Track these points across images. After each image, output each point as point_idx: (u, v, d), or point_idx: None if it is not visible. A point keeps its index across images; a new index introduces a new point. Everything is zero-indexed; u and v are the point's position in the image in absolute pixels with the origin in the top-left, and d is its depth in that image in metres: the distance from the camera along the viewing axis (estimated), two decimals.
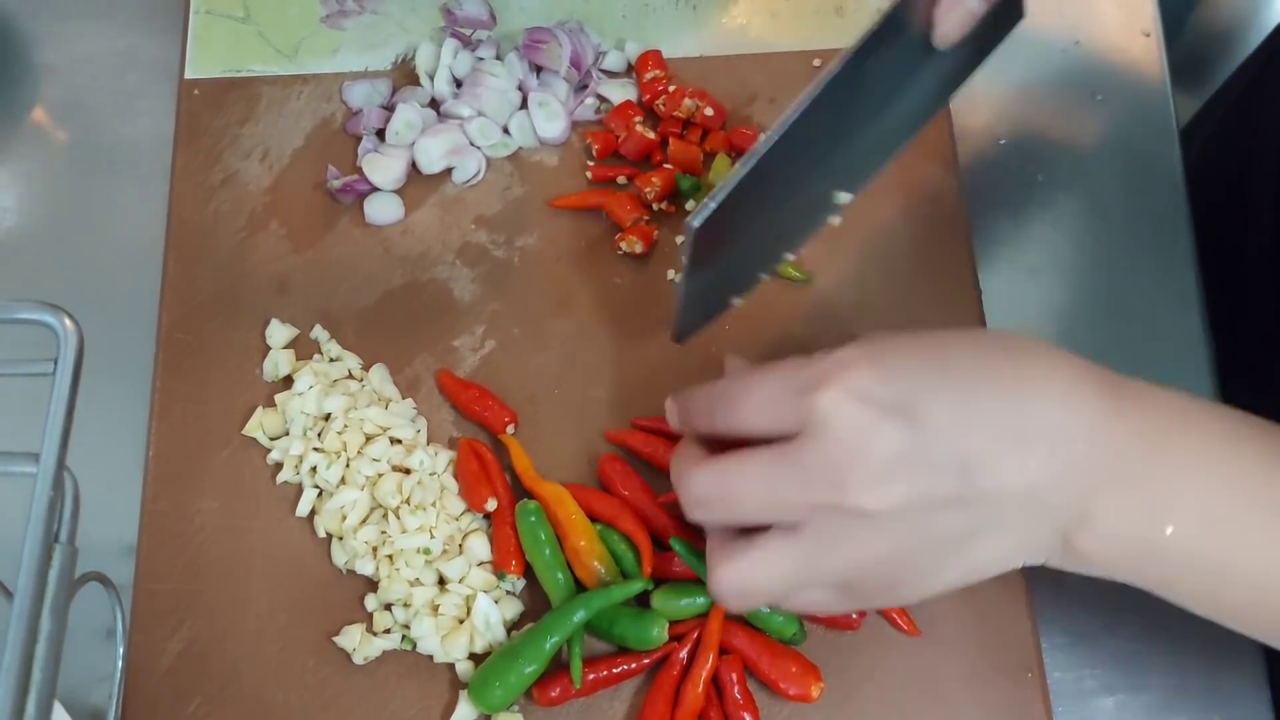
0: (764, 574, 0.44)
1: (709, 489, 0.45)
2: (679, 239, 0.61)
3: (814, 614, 0.49)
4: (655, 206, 0.61)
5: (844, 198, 0.54)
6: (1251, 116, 0.75)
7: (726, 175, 0.48)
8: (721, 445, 0.46)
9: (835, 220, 0.54)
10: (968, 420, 0.42)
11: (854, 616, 0.53)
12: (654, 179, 0.61)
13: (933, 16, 0.49)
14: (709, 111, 0.62)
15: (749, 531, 0.45)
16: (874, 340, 0.44)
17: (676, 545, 0.53)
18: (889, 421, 0.41)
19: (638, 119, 0.63)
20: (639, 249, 0.61)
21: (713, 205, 0.47)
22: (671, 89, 0.63)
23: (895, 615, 0.54)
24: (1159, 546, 0.43)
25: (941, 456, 0.42)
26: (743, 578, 0.44)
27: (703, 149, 0.63)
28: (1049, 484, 0.42)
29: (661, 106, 0.63)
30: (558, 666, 0.53)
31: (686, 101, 0.62)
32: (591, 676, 0.53)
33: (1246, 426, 0.44)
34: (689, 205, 0.61)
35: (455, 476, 0.57)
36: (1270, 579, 0.43)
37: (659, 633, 0.53)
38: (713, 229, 0.47)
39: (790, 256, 0.57)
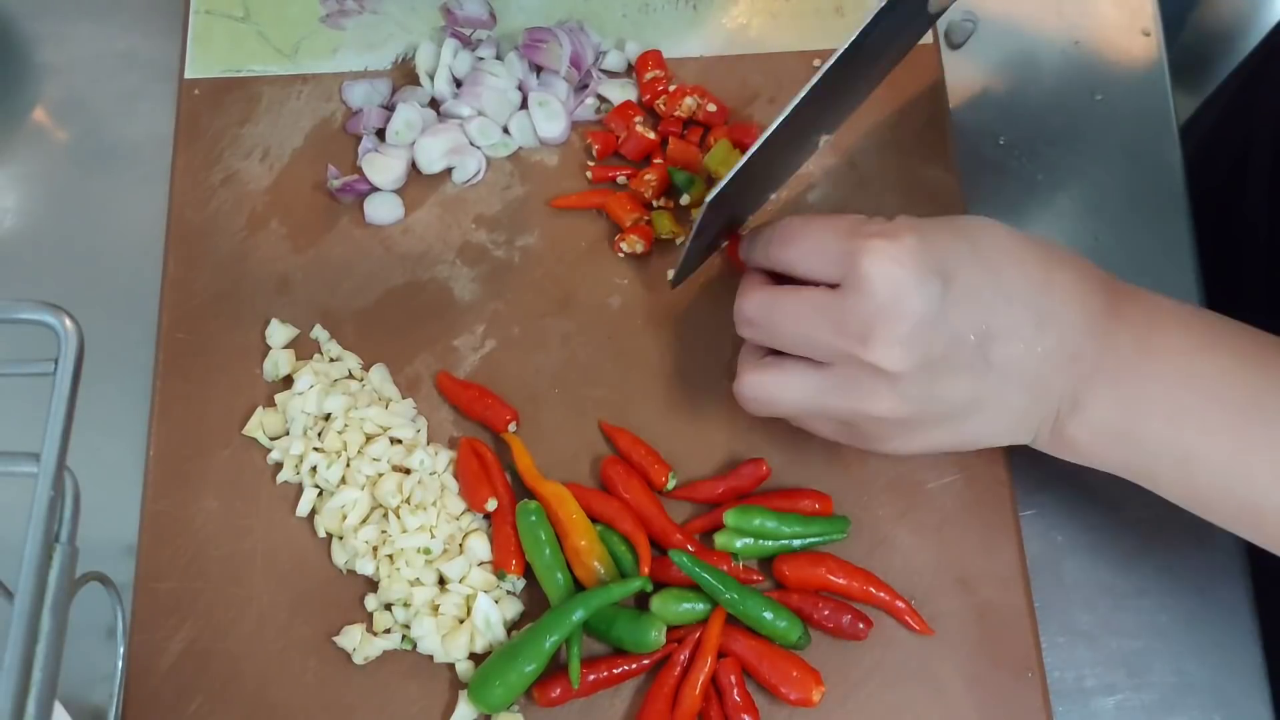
0: (782, 391, 0.50)
1: (757, 311, 0.50)
2: (679, 240, 0.61)
3: (814, 433, 0.52)
4: (654, 204, 0.61)
5: (825, 138, 0.58)
6: (1248, 110, 0.75)
7: (740, 156, 0.49)
8: (781, 281, 0.50)
9: (817, 150, 0.59)
10: (993, 296, 0.46)
11: (860, 627, 0.53)
12: (648, 176, 0.61)
13: None
14: (711, 108, 0.62)
15: (782, 355, 0.50)
16: (920, 220, 0.48)
17: (675, 557, 0.53)
18: (923, 287, 0.45)
19: (638, 119, 0.63)
20: (640, 249, 0.61)
21: (724, 184, 0.49)
22: (672, 88, 0.63)
23: (907, 616, 0.54)
24: (1139, 436, 0.47)
25: (964, 325, 0.46)
26: (764, 386, 0.50)
27: (703, 148, 0.62)
28: (1052, 368, 0.47)
29: (662, 106, 0.63)
30: (558, 667, 0.53)
31: (687, 100, 0.62)
32: (592, 678, 0.53)
33: (1228, 330, 0.48)
34: (684, 200, 0.61)
35: (455, 476, 0.57)
36: (1237, 469, 0.46)
37: (656, 636, 0.53)
38: (720, 199, 0.50)
39: (770, 198, 0.60)
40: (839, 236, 0.47)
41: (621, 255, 0.61)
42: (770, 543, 0.54)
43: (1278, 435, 0.46)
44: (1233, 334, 0.48)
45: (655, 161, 0.62)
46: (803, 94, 0.48)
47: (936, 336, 0.46)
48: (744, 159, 0.49)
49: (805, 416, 0.51)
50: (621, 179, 0.63)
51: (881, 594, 0.54)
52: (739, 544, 0.54)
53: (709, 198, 0.49)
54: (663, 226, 0.61)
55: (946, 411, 0.48)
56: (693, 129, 0.63)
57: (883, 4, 0.48)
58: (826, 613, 0.53)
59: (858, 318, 0.46)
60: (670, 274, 0.60)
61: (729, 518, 0.54)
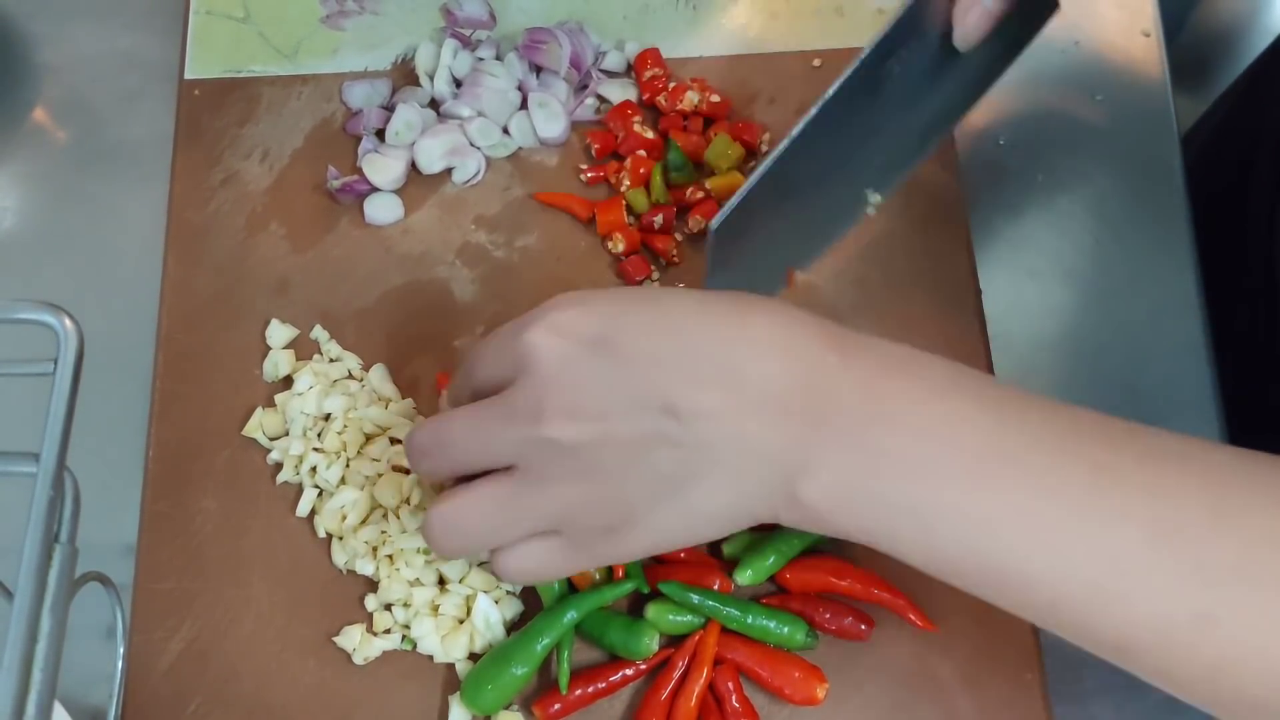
0: (470, 513, 0.45)
1: (427, 438, 0.46)
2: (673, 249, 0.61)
3: (534, 577, 0.47)
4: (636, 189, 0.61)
5: (875, 197, 0.54)
6: (1252, 116, 0.75)
7: (747, 178, 0.48)
8: None
9: (870, 211, 0.55)
10: (674, 359, 0.42)
11: (862, 628, 0.53)
12: (623, 169, 0.61)
13: (951, 17, 0.49)
14: (715, 99, 0.62)
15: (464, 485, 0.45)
16: (591, 291, 0.45)
17: (666, 588, 0.53)
18: (587, 352, 0.42)
19: (636, 118, 0.63)
20: (621, 248, 0.60)
21: (731, 206, 0.47)
22: (672, 86, 0.63)
23: (910, 613, 0.54)
24: (874, 494, 0.42)
25: (643, 391, 0.42)
26: (449, 516, 0.45)
27: (706, 137, 0.63)
28: (759, 426, 0.42)
29: (663, 101, 0.63)
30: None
31: (690, 94, 0.62)
32: (591, 689, 0.53)
33: (963, 377, 0.44)
34: (672, 178, 0.61)
35: None
36: (975, 523, 0.41)
37: (649, 643, 0.52)
38: (733, 230, 0.48)
39: (821, 254, 0.57)
40: (508, 330, 0.45)
41: (612, 255, 0.61)
42: (778, 559, 0.54)
43: (1018, 483, 0.41)
44: (969, 380, 0.43)
45: (639, 154, 0.62)
46: (806, 120, 0.46)
47: (614, 406, 0.42)
48: (746, 187, 0.47)
49: (510, 537, 0.45)
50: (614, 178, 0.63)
51: (884, 593, 0.54)
52: (749, 574, 0.53)
53: (711, 225, 0.47)
54: (638, 203, 0.61)
55: (655, 489, 0.43)
56: (694, 119, 0.63)
57: (884, 32, 0.47)
58: (828, 615, 0.53)
59: (528, 397, 0.43)
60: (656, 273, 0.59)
61: (739, 572, 0.53)
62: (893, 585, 0.54)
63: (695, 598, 0.53)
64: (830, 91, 0.47)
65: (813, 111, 0.47)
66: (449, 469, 0.46)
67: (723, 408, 0.42)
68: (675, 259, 0.61)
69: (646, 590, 0.54)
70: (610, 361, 0.42)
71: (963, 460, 0.41)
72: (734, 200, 0.47)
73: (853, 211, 0.55)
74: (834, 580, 0.54)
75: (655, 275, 0.61)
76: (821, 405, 0.42)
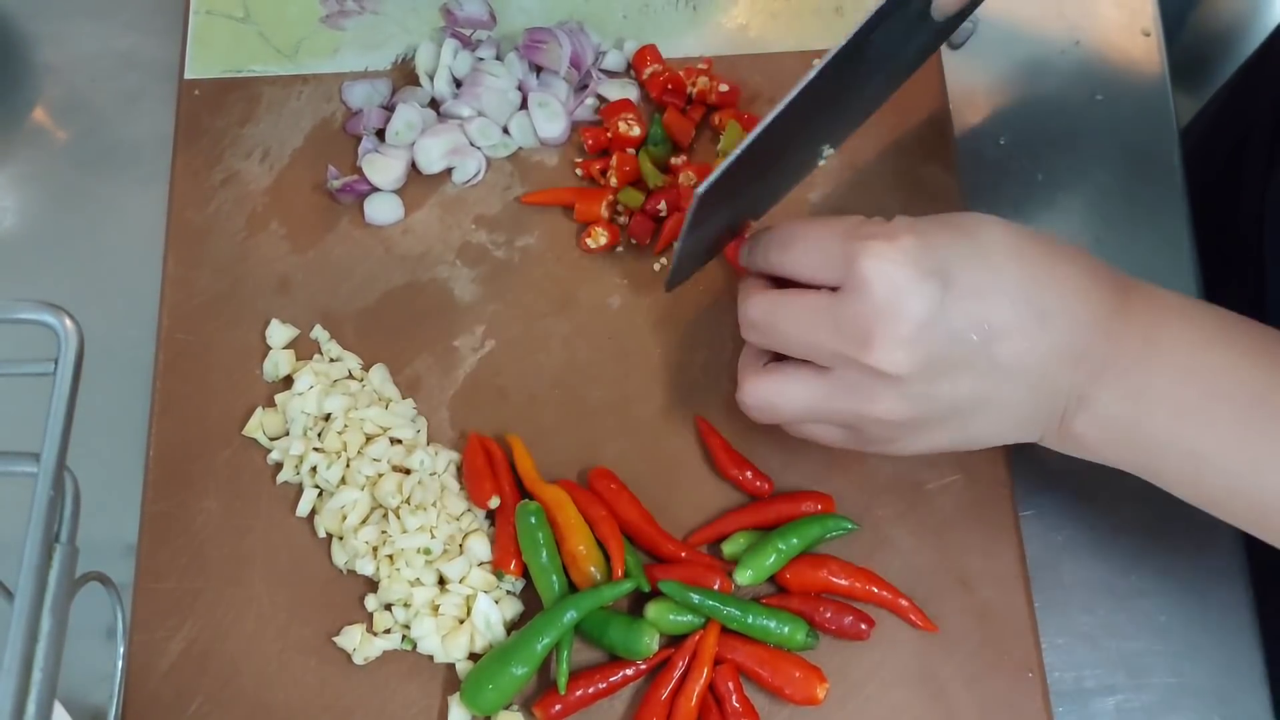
0: (784, 397, 0.49)
1: (760, 314, 0.49)
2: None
3: (816, 442, 0.52)
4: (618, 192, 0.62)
5: (828, 151, 0.56)
6: (1244, 109, 0.75)
7: (732, 149, 0.49)
8: (783, 286, 0.50)
9: (821, 163, 0.58)
10: (996, 293, 0.46)
11: (863, 628, 0.53)
12: (610, 163, 0.61)
13: None
14: (724, 88, 0.63)
15: (783, 361, 0.50)
16: (919, 220, 0.48)
17: (666, 588, 0.53)
18: (922, 287, 0.45)
19: (629, 115, 0.62)
20: (604, 241, 0.61)
21: (719, 172, 0.48)
22: (683, 70, 0.64)
23: (911, 614, 0.54)
24: (1146, 433, 0.47)
25: (965, 324, 0.45)
26: (767, 393, 0.50)
27: (712, 125, 0.63)
28: (1058, 365, 0.46)
29: (669, 87, 0.63)
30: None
31: (702, 78, 0.63)
32: (591, 689, 0.53)
33: (1235, 325, 0.48)
34: (651, 151, 0.62)
35: (458, 473, 0.57)
36: (1244, 466, 0.46)
37: (649, 643, 0.52)
38: (713, 194, 0.49)
39: (775, 204, 0.59)
40: (837, 239, 0.47)
41: (589, 250, 0.61)
42: (778, 559, 0.54)
43: None
44: (1240, 329, 0.47)
45: (629, 152, 0.62)
46: (797, 90, 0.47)
47: (938, 337, 0.45)
48: (733, 155, 0.48)
49: (808, 422, 0.51)
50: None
51: (884, 593, 0.54)
52: (749, 574, 0.54)
53: (699, 190, 0.48)
54: (633, 199, 0.61)
55: (950, 411, 0.47)
56: (694, 108, 0.64)
57: (880, 5, 0.48)
58: (829, 615, 0.53)
59: (857, 321, 0.46)
60: (657, 266, 0.59)
61: (739, 572, 0.54)
62: (893, 585, 0.54)
63: (695, 597, 0.53)
64: (822, 63, 0.47)
65: (803, 83, 0.48)
66: (773, 347, 0.50)
67: (1031, 347, 0.46)
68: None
69: (647, 589, 0.54)
70: (939, 299, 0.45)
71: (1232, 406, 0.46)
72: (722, 166, 0.48)
73: (808, 164, 0.57)
74: (834, 580, 0.54)
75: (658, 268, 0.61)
76: (1106, 348, 0.46)
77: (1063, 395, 0.47)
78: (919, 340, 0.45)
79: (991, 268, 0.46)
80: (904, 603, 0.54)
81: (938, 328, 0.45)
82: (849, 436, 0.50)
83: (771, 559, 0.53)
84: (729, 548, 0.55)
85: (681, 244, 0.52)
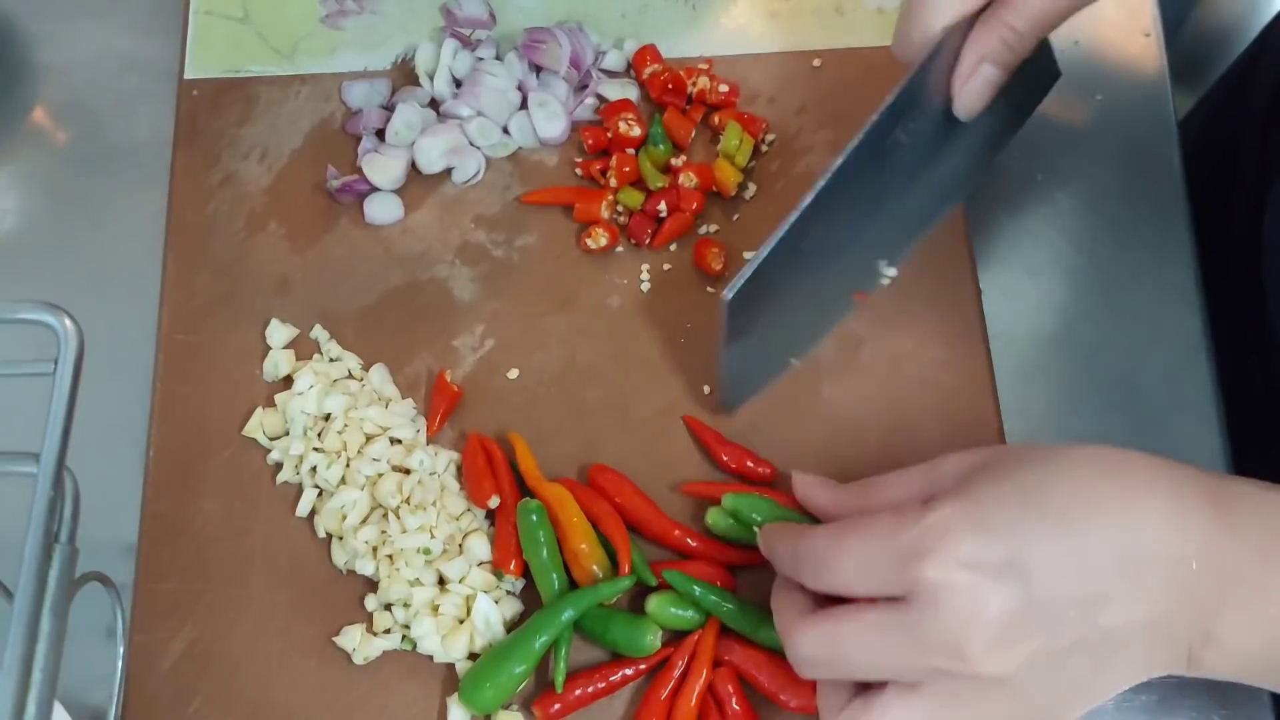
0: (876, 715, 0.43)
1: (820, 650, 0.44)
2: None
3: None
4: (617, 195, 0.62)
5: (890, 270, 0.55)
6: (1239, 105, 0.75)
7: (758, 248, 0.48)
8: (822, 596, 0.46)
9: (884, 283, 0.56)
10: (1080, 563, 0.41)
11: None
12: (610, 164, 0.61)
13: (950, 88, 0.50)
14: (723, 89, 0.63)
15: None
16: (968, 494, 0.43)
17: (670, 577, 0.53)
18: (1001, 584, 0.41)
19: (629, 115, 0.62)
20: (604, 242, 0.61)
21: (744, 276, 0.48)
22: (684, 70, 0.64)
23: None
24: None
25: (1059, 606, 0.41)
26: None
27: (711, 125, 0.63)
28: (1168, 611, 0.42)
29: (670, 87, 0.63)
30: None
31: (702, 78, 0.63)
32: (591, 689, 0.53)
33: None
34: (652, 152, 0.62)
35: (458, 473, 0.57)
36: None
37: (652, 640, 0.52)
38: (748, 299, 0.48)
39: (835, 326, 0.58)
40: (886, 550, 0.43)
41: (589, 250, 0.61)
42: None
43: None
44: None
45: (629, 152, 0.62)
46: (820, 184, 0.47)
47: (1035, 627, 0.41)
48: (761, 254, 0.47)
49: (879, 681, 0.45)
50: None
51: None
52: (727, 525, 0.54)
53: (726, 296, 0.47)
54: (632, 200, 0.61)
55: (1066, 692, 0.43)
56: (695, 108, 0.64)
57: (889, 101, 0.48)
58: None
59: (944, 634, 0.41)
60: (709, 390, 0.59)
61: (728, 500, 0.54)
62: None
63: (697, 589, 0.53)
64: (838, 161, 0.47)
65: (822, 181, 0.47)
66: (840, 677, 0.45)
67: (1130, 602, 0.41)
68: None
69: (654, 583, 0.54)
70: (1020, 584, 0.41)
71: None
72: (747, 270, 0.47)
73: (866, 282, 0.56)
74: None
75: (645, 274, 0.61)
76: (1217, 575, 0.42)
77: (1184, 639, 0.43)
78: (1017, 636, 0.41)
79: (1067, 533, 0.42)
80: None
81: (1031, 618, 0.41)
82: None
83: (761, 512, 0.54)
84: (710, 516, 0.55)
85: (725, 353, 0.51)
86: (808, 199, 0.47)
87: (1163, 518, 0.42)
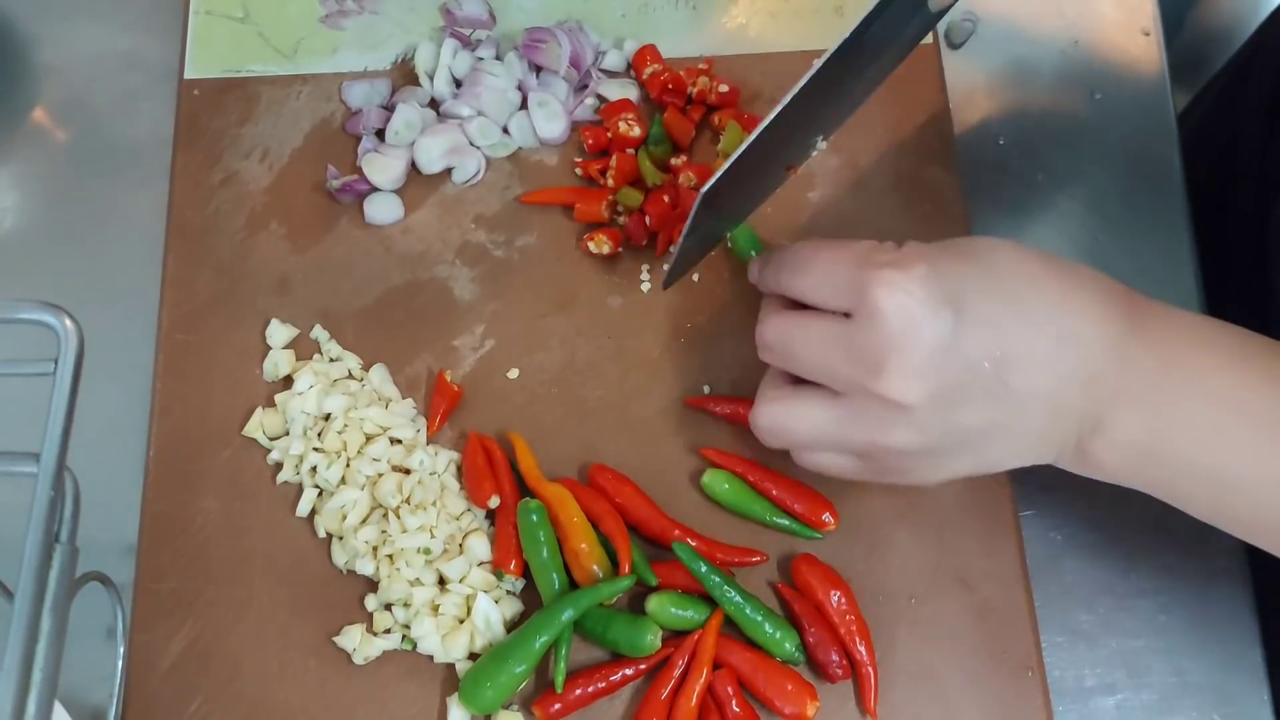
0: (797, 421, 0.49)
1: (774, 337, 0.49)
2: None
3: (829, 474, 0.51)
4: (616, 196, 0.62)
5: (821, 143, 0.56)
6: (1237, 101, 0.75)
7: (735, 149, 0.49)
8: (799, 307, 0.50)
9: (813, 154, 0.57)
10: (1009, 320, 0.45)
11: (838, 672, 0.53)
12: (610, 164, 0.61)
13: None
14: (723, 89, 0.63)
15: (801, 383, 0.49)
16: (930, 250, 0.47)
17: (678, 549, 0.53)
18: (934, 319, 0.44)
19: (629, 115, 0.62)
20: (606, 249, 0.60)
21: (720, 174, 0.48)
22: (684, 70, 0.64)
23: (870, 692, 0.53)
24: (1164, 455, 0.46)
25: (978, 352, 0.45)
26: (779, 416, 0.49)
27: (712, 125, 0.63)
28: (1073, 389, 0.46)
29: (670, 87, 0.63)
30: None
31: (702, 78, 0.63)
32: (591, 688, 0.53)
33: (1253, 345, 0.47)
34: (653, 151, 0.62)
35: (458, 473, 0.57)
36: (1266, 488, 0.45)
37: (652, 640, 0.52)
38: (716, 194, 0.49)
39: (768, 198, 0.59)
40: (849, 266, 0.47)
41: (590, 253, 0.61)
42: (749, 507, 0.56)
43: None
44: (1258, 348, 0.47)
45: (628, 153, 0.62)
46: (797, 89, 0.47)
47: (950, 366, 0.45)
48: (735, 155, 0.48)
49: (821, 450, 0.50)
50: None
51: (862, 648, 0.53)
52: (722, 490, 0.56)
53: (703, 191, 0.48)
54: (632, 199, 0.61)
55: (965, 440, 0.47)
56: (694, 108, 0.64)
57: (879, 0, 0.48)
58: (812, 639, 0.53)
59: (870, 349, 0.45)
60: (664, 268, 0.60)
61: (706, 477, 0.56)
62: (872, 649, 0.53)
63: (704, 566, 0.53)
64: (821, 61, 0.47)
65: (804, 81, 0.47)
66: (788, 369, 0.50)
67: (1045, 373, 0.45)
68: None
69: (654, 583, 0.54)
70: (951, 327, 0.44)
71: (1253, 427, 0.45)
72: (724, 168, 0.48)
73: (800, 156, 0.57)
74: (833, 596, 0.53)
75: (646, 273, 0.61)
76: (1121, 370, 0.46)
77: (1078, 419, 0.46)
78: (932, 370, 0.44)
79: (1005, 294, 0.46)
80: (869, 672, 0.53)
81: (951, 357, 0.45)
82: (863, 467, 0.49)
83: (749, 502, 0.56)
84: (707, 478, 0.56)
85: (683, 244, 0.52)
86: (787, 98, 0.47)
87: (1087, 305, 0.46)
